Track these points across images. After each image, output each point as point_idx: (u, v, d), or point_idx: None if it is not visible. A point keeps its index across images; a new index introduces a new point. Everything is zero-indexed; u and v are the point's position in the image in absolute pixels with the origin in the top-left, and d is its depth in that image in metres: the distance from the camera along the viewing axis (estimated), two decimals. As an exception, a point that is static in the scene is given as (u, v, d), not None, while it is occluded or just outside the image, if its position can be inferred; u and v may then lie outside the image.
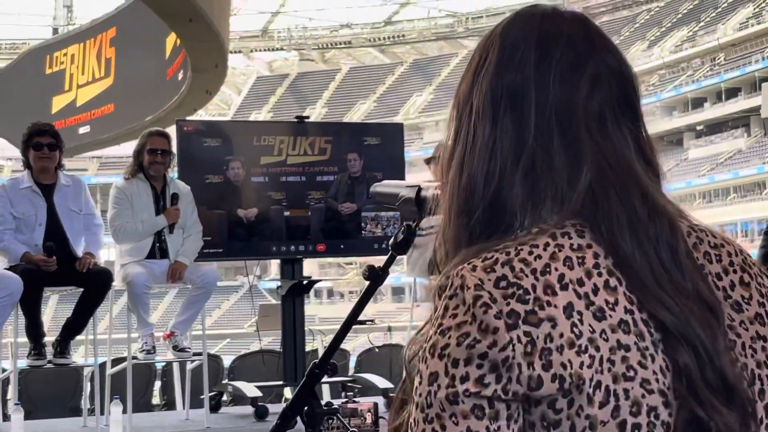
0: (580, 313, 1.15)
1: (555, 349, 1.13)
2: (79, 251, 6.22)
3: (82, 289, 6.26)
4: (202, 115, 24.92)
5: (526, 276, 1.16)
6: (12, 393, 6.46)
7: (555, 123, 1.25)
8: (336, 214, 7.26)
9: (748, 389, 1.17)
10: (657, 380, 1.14)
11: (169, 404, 8.44)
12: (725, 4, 48.55)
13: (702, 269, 1.23)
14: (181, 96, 21.59)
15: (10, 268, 5.96)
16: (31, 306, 6.08)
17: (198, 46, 16.63)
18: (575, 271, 1.17)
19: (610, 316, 1.15)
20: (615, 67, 1.30)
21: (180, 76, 21.47)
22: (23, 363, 6.15)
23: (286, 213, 7.14)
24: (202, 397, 6.67)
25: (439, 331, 1.17)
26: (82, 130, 27.81)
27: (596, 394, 1.13)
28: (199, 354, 6.70)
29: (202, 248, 6.62)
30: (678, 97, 49.01)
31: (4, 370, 6.46)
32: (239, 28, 45.49)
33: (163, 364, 7.97)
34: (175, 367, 7.60)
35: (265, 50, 55.18)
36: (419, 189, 1.74)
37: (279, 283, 7.41)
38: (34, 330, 6.17)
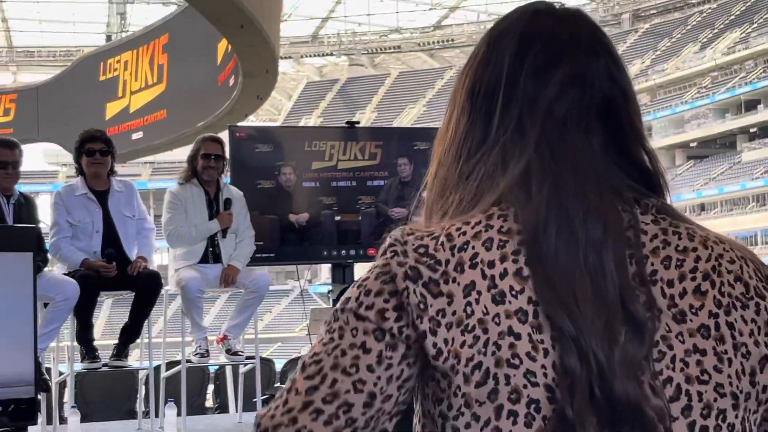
0: (479, 293, 1.15)
1: (445, 324, 1.14)
2: (133, 256, 6.28)
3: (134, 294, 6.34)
4: (252, 120, 25.05)
5: (444, 250, 1.18)
6: (68, 396, 6.54)
7: (516, 117, 1.26)
8: (386, 219, 7.26)
9: (655, 408, 1.13)
10: (545, 375, 1.13)
11: (221, 407, 8.51)
12: (779, 5, 47.90)
13: (650, 276, 1.20)
14: (233, 101, 21.71)
15: (68, 274, 6.03)
16: (84, 311, 6.15)
17: (249, 51, 16.72)
18: (491, 253, 1.17)
19: (510, 302, 1.14)
20: (600, 71, 1.28)
21: (231, 81, 21.59)
22: (79, 366, 6.22)
23: (337, 218, 7.16)
24: (254, 400, 6.71)
25: (366, 272, 1.22)
26: (135, 136, 28.06)
27: (474, 373, 1.13)
28: (252, 358, 6.73)
29: (254, 253, 6.65)
30: (731, 100, 48.40)
31: (60, 374, 6.55)
32: (289, 34, 45.70)
33: (216, 367, 8.02)
34: (228, 370, 7.65)
35: (315, 55, 55.36)
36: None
37: (330, 288, 7.44)
38: (85, 334, 6.23)
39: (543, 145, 1.24)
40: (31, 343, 5.14)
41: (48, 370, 6.28)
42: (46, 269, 6.03)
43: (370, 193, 7.24)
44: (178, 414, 6.17)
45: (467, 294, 1.15)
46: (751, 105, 48.35)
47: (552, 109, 1.26)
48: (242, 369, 6.89)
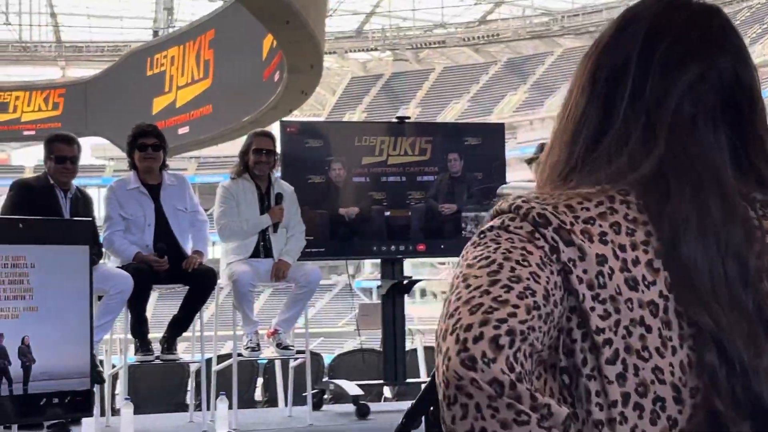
0: (611, 269, 1.13)
1: (576, 276, 1.13)
2: (187, 248, 6.33)
3: (185, 287, 6.38)
4: (296, 115, 25.09)
5: (566, 215, 1.16)
6: (121, 388, 6.59)
7: (643, 112, 1.25)
8: (436, 214, 7.26)
9: None
10: (672, 373, 1.12)
11: (270, 401, 8.54)
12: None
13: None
14: (278, 97, 21.75)
15: (121, 267, 6.09)
16: (138, 304, 6.19)
17: (294, 47, 16.75)
18: (621, 237, 1.16)
19: (643, 291, 1.13)
20: (727, 69, 1.27)
21: (276, 77, 21.63)
22: (132, 359, 6.27)
23: (387, 213, 7.17)
24: (304, 394, 6.72)
25: (485, 228, 1.19)
26: (182, 130, 28.20)
27: (605, 348, 1.12)
28: (302, 352, 6.76)
29: (304, 247, 6.68)
30: (779, 95, 47.84)
31: (113, 366, 6.61)
32: (334, 29, 45.72)
33: (265, 361, 8.06)
34: (277, 364, 7.68)
35: (359, 51, 55.33)
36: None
37: (379, 283, 7.45)
38: (140, 327, 6.28)
39: (675, 143, 1.23)
40: (87, 335, 5.20)
41: (101, 362, 6.33)
42: (101, 263, 6.09)
43: (420, 188, 7.24)
44: (230, 407, 6.20)
45: (600, 263, 1.14)
46: (799, 101, 47.75)
47: (681, 106, 1.25)
48: (292, 363, 6.91)
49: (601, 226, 1.16)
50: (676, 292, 1.14)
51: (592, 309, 1.12)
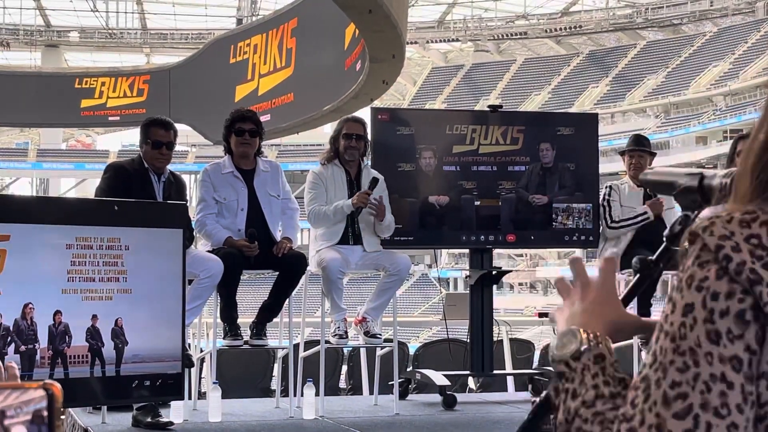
0: None
1: None
2: (277, 235, 6.31)
3: (273, 272, 6.37)
4: (377, 104, 25.12)
5: None
6: (208, 372, 6.61)
7: None
8: (527, 205, 7.16)
9: None
10: None
11: (354, 389, 8.52)
12: None
13: None
14: (359, 86, 21.84)
15: (212, 251, 6.09)
16: (228, 288, 6.19)
17: (376, 36, 16.79)
18: None
19: None
20: None
21: (358, 66, 21.72)
22: (221, 343, 6.27)
23: (477, 202, 7.08)
24: (390, 383, 6.68)
25: (689, 268, 1.12)
26: (263, 118, 28.22)
27: None
28: (390, 341, 6.71)
29: (393, 235, 6.61)
30: None
31: (202, 350, 6.62)
32: (416, 19, 45.73)
33: (350, 348, 8.03)
34: (363, 352, 7.65)
35: (440, 41, 55.33)
36: (702, 177, 1.62)
37: (468, 273, 7.38)
38: (229, 312, 6.28)
39: None
40: (180, 319, 5.20)
41: (190, 346, 6.35)
42: (192, 247, 6.09)
43: (511, 178, 7.13)
44: (316, 394, 6.17)
45: None
46: None
47: None
48: (379, 351, 6.87)
49: None
50: None
51: None
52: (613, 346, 1.34)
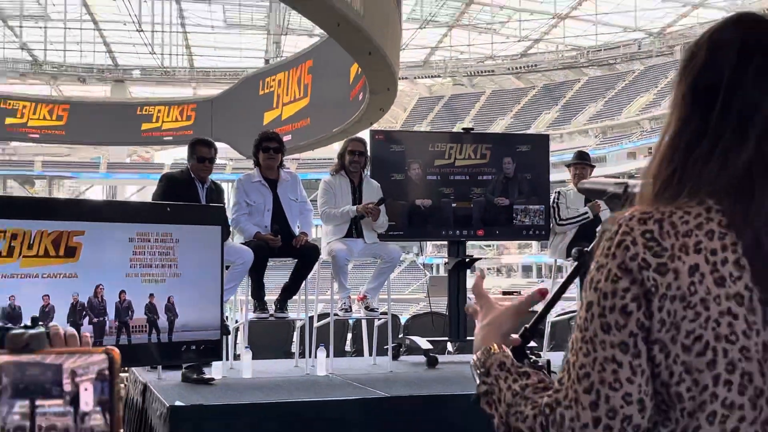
0: (702, 275, 1.07)
1: (669, 297, 1.07)
2: (296, 230, 6.30)
3: (294, 260, 6.36)
4: (375, 127, 25.09)
5: (669, 237, 1.10)
6: (242, 338, 6.60)
7: (736, 119, 1.15)
8: (493, 206, 7.16)
9: None
10: (758, 351, 1.06)
11: (357, 351, 8.50)
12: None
13: None
14: (361, 112, 21.84)
15: (245, 243, 6.08)
16: (258, 273, 6.19)
17: (375, 74, 16.78)
18: (713, 242, 1.09)
19: (730, 286, 1.07)
20: None
21: (360, 97, 21.70)
22: (252, 316, 6.27)
23: (454, 205, 7.08)
24: (385, 347, 6.68)
25: (596, 267, 1.14)
26: (286, 138, 28.07)
27: (695, 344, 1.06)
28: (385, 314, 6.71)
29: (387, 231, 6.62)
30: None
31: (237, 321, 6.61)
32: (406, 60, 45.64)
33: (354, 319, 8.03)
34: (364, 323, 7.64)
35: (425, 77, 55.25)
36: (626, 186, 1.63)
37: (446, 259, 7.36)
38: (258, 291, 6.27)
39: (764, 147, 1.14)
40: (218, 297, 5.17)
41: (227, 318, 6.34)
42: (228, 240, 6.08)
43: (481, 185, 7.13)
44: (327, 356, 6.17)
45: (692, 274, 1.08)
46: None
47: None
48: (377, 322, 6.86)
49: (697, 235, 1.10)
50: (758, 281, 1.07)
51: (683, 318, 1.07)
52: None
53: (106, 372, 0.93)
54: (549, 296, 1.66)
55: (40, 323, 1.03)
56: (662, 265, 1.09)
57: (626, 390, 1.09)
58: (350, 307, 6.51)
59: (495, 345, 1.31)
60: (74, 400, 0.91)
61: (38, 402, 0.90)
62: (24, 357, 0.92)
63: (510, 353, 1.31)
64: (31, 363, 0.91)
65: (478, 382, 1.29)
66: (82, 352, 0.93)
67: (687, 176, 1.16)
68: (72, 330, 1.10)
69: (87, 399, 0.91)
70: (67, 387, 0.91)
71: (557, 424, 1.12)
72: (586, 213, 7.04)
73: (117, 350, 0.93)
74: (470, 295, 7.04)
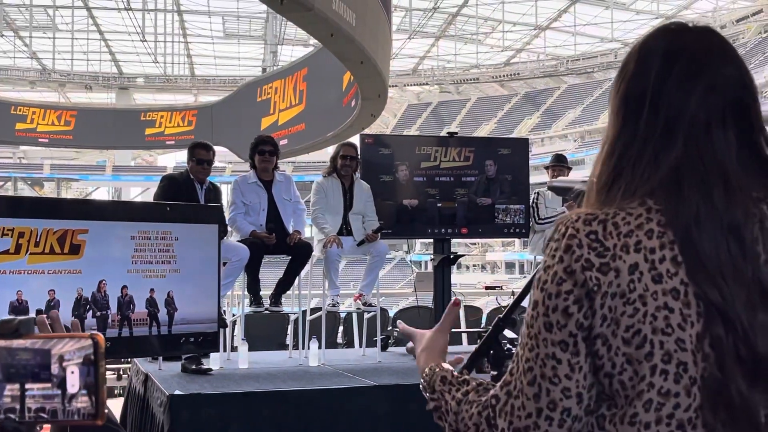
0: (641, 273, 1.08)
1: (610, 294, 1.08)
2: (290, 228, 6.30)
3: (288, 257, 6.35)
4: (367, 132, 25.09)
5: (612, 237, 1.11)
6: (239, 331, 6.59)
7: (663, 119, 1.16)
8: (476, 206, 7.17)
9: None
10: (691, 342, 1.06)
11: (348, 343, 8.50)
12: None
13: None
14: (353, 118, 21.83)
15: (241, 241, 6.07)
16: (253, 268, 6.19)
17: (366, 81, 16.78)
18: (652, 241, 1.10)
19: (666, 282, 1.08)
20: (733, 76, 1.18)
21: (353, 103, 21.70)
22: (248, 309, 6.26)
23: (439, 204, 7.09)
24: (374, 339, 6.68)
25: (543, 267, 1.15)
26: (282, 142, 28.31)
27: (634, 338, 1.07)
28: (372, 306, 6.71)
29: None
30: None
31: (233, 314, 6.61)
32: (396, 68, 45.66)
33: (345, 313, 8.03)
34: (354, 316, 7.64)
35: (414, 84, 55.28)
36: (592, 184, 1.63)
37: (431, 256, 7.37)
38: (254, 286, 6.27)
39: (690, 146, 1.15)
40: (216, 291, 5.14)
41: (224, 312, 6.33)
42: (225, 238, 6.08)
43: (464, 186, 7.14)
44: (319, 347, 6.17)
45: (631, 272, 1.09)
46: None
47: (697, 114, 1.16)
48: (367, 315, 6.86)
49: (637, 236, 1.11)
50: (691, 275, 1.08)
51: (622, 314, 1.09)
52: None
53: (92, 356, 0.93)
54: (519, 291, 1.67)
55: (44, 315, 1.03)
56: (605, 265, 1.10)
57: (565, 385, 1.11)
58: (338, 303, 6.51)
59: (434, 364, 1.35)
60: (61, 384, 0.91)
61: (28, 385, 0.90)
62: (14, 342, 0.92)
63: (450, 368, 1.34)
64: (21, 348, 0.91)
65: (427, 400, 1.31)
66: (69, 338, 0.93)
67: (623, 178, 1.17)
68: (56, 313, 1.11)
69: (73, 382, 0.91)
70: (55, 371, 0.91)
71: (506, 413, 1.15)
72: (564, 212, 7.06)
73: (101, 335, 0.93)
74: (455, 290, 7.01)
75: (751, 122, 1.18)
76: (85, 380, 0.91)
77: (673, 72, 1.18)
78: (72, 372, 0.91)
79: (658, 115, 1.17)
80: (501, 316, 1.72)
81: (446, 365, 1.34)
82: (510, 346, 1.66)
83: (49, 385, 0.90)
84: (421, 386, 1.35)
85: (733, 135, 1.16)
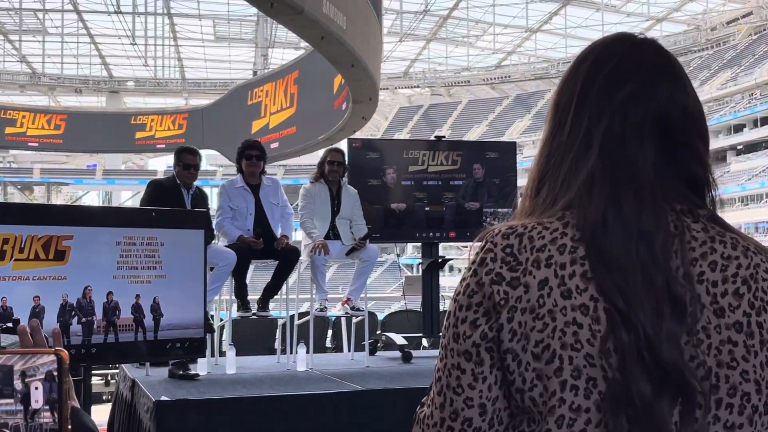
0: (551, 288, 1.07)
1: (520, 309, 1.07)
2: (278, 233, 6.30)
3: (275, 261, 6.34)
4: (358, 135, 25.07)
5: (526, 251, 1.09)
6: (226, 336, 6.58)
7: (584, 128, 1.15)
8: (463, 210, 7.18)
9: (690, 374, 1.04)
10: (601, 357, 1.04)
11: (337, 347, 8.49)
12: (761, 53, 46.37)
13: (698, 276, 1.09)
14: (344, 121, 21.82)
15: (228, 246, 6.06)
16: (240, 273, 6.18)
17: (357, 84, 16.78)
18: (564, 257, 1.08)
19: (575, 298, 1.06)
20: (662, 92, 1.15)
21: (344, 106, 21.70)
22: (236, 314, 6.25)
23: (427, 208, 7.10)
24: (363, 343, 6.68)
25: (460, 280, 1.14)
26: (273, 146, 28.35)
27: (544, 353, 1.06)
28: (361, 310, 6.71)
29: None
30: (723, 124, 47.14)
31: (221, 319, 6.60)
32: (387, 71, 45.68)
33: (334, 317, 8.02)
34: (343, 320, 7.63)
35: (405, 87, 55.31)
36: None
37: (420, 260, 7.37)
38: (241, 291, 6.26)
39: (604, 154, 1.13)
40: (202, 296, 5.15)
41: (212, 317, 6.32)
42: (213, 242, 6.07)
43: (452, 190, 7.15)
44: (307, 352, 6.16)
45: (541, 288, 1.07)
46: (738, 128, 47.07)
47: (613, 122, 1.14)
48: (355, 320, 6.86)
49: (549, 250, 1.09)
50: (596, 281, 1.06)
51: (532, 329, 1.07)
52: None
53: (55, 373, 0.93)
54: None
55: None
56: (515, 279, 1.09)
57: (467, 395, 1.11)
58: (326, 307, 6.52)
59: None
60: (25, 399, 0.91)
61: (-10, 401, 0.90)
62: None
63: None
64: None
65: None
66: (31, 353, 0.93)
67: (547, 187, 1.17)
68: (36, 321, 1.11)
69: (37, 398, 0.91)
70: (18, 386, 0.91)
71: (420, 421, 1.16)
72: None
73: (65, 351, 0.93)
74: (443, 293, 7.04)
75: (677, 139, 1.16)
76: (48, 396, 0.91)
77: (598, 80, 1.17)
78: (36, 388, 0.91)
79: (581, 122, 1.16)
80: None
81: None
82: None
83: (11, 400, 0.90)
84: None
85: (652, 147, 1.14)
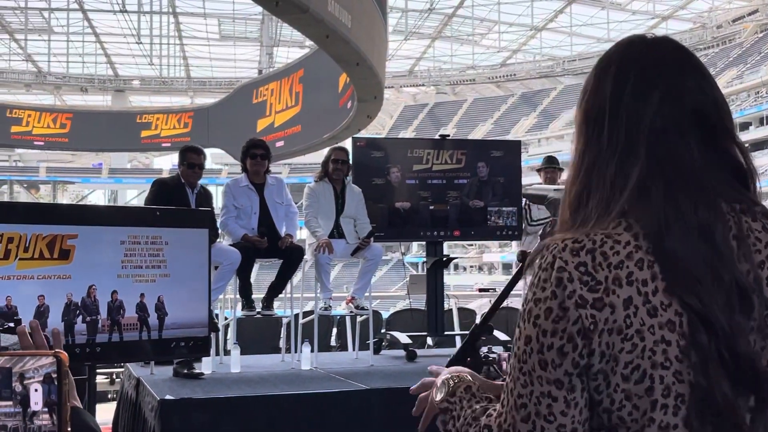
0: (636, 307, 1.07)
1: (607, 330, 1.07)
2: (282, 232, 6.30)
3: (279, 260, 6.34)
4: (363, 133, 25.04)
5: (602, 269, 1.09)
6: (231, 335, 6.59)
7: (624, 132, 1.16)
8: (468, 208, 7.17)
9: (761, 367, 1.07)
10: (689, 373, 1.06)
11: (341, 346, 8.49)
12: (767, 51, 46.23)
13: (765, 275, 1.11)
14: (349, 119, 21.82)
15: (233, 245, 6.07)
16: (244, 272, 6.18)
17: (362, 83, 16.78)
18: (643, 272, 1.08)
19: (661, 315, 1.07)
20: (692, 87, 1.17)
21: (349, 105, 21.69)
22: (240, 313, 6.26)
23: (431, 207, 7.08)
24: (367, 342, 6.67)
25: (533, 299, 1.12)
26: (278, 144, 28.36)
27: (633, 374, 1.06)
28: (365, 309, 6.71)
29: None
30: (728, 122, 47.05)
31: (226, 318, 6.60)
32: (392, 70, 45.64)
33: (339, 316, 8.02)
34: (348, 319, 7.64)
35: (410, 86, 55.27)
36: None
37: (425, 259, 7.36)
38: (246, 290, 6.26)
39: (651, 155, 1.14)
40: (206, 296, 5.16)
41: (216, 315, 6.33)
42: (217, 241, 6.07)
43: (456, 188, 7.13)
44: (311, 350, 6.16)
45: (626, 307, 1.08)
46: (744, 126, 46.97)
47: (654, 122, 1.16)
48: (360, 318, 6.86)
49: (628, 267, 1.09)
50: (668, 285, 1.07)
51: (621, 350, 1.08)
52: None
53: (54, 375, 0.93)
54: (497, 296, 1.68)
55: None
56: (598, 300, 1.08)
57: (560, 422, 1.10)
58: (330, 306, 6.51)
59: (467, 374, 1.34)
60: (24, 401, 0.91)
61: (-11, 403, 0.90)
62: None
63: (480, 382, 1.32)
64: None
65: (440, 398, 1.30)
66: (30, 355, 0.93)
67: (594, 195, 1.17)
68: (35, 322, 1.11)
69: (36, 400, 0.91)
70: (18, 388, 0.91)
71: None
72: (555, 218, 7.05)
73: (65, 353, 0.93)
74: (448, 292, 7.05)
75: (714, 129, 1.17)
76: (47, 398, 0.91)
77: (628, 85, 1.18)
78: (35, 390, 0.91)
79: (619, 128, 1.17)
80: (477, 323, 1.73)
81: (479, 378, 1.33)
82: (489, 354, 1.66)
83: (10, 402, 0.90)
84: (439, 382, 1.33)
85: (695, 140, 1.16)
